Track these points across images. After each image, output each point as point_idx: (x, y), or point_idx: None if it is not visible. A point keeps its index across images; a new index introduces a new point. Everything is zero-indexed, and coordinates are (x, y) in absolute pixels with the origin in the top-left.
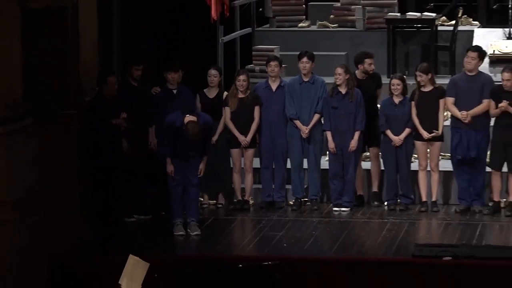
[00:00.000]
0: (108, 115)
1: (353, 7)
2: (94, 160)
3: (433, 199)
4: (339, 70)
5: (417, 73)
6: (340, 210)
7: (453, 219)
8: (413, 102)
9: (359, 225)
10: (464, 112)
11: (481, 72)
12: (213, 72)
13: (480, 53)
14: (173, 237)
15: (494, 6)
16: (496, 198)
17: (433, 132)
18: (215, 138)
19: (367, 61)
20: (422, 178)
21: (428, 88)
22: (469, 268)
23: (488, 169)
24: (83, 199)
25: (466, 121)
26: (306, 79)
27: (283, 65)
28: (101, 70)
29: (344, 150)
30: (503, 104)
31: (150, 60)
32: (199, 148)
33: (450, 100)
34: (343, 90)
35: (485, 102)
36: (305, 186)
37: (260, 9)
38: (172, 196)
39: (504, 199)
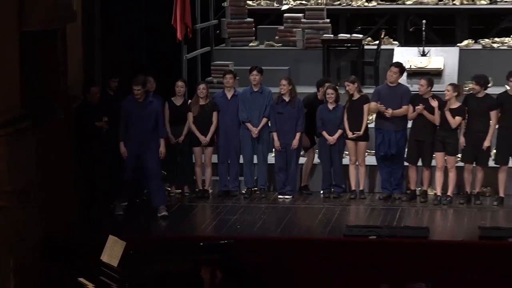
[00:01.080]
0: (92, 118)
1: (294, 29)
2: (82, 155)
3: (361, 188)
4: (284, 82)
5: (346, 83)
6: (284, 198)
7: (377, 204)
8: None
9: (300, 210)
10: (390, 110)
11: (400, 83)
12: (180, 83)
13: (401, 68)
14: (145, 220)
15: (411, 29)
16: (412, 187)
17: (355, 134)
18: (181, 138)
19: (328, 86)
20: (351, 171)
21: (356, 97)
22: (391, 245)
23: (405, 163)
24: (74, 189)
25: (388, 115)
26: (255, 89)
27: (236, 78)
28: (85, 81)
29: (287, 148)
30: (419, 107)
31: (127, 74)
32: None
33: (373, 103)
34: (286, 98)
35: (404, 107)
36: (255, 177)
37: (218, 31)
38: (124, 178)
39: (419, 188)
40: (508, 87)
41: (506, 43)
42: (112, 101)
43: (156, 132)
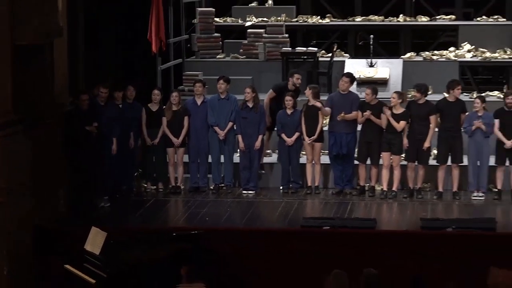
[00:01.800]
0: (83, 123)
1: (257, 43)
2: (71, 154)
3: (316, 184)
4: (248, 90)
5: (306, 91)
6: (248, 193)
7: (330, 199)
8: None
9: (262, 204)
10: (342, 113)
11: (351, 91)
12: (156, 91)
13: (352, 78)
14: (124, 213)
15: (360, 43)
16: (362, 183)
17: (310, 139)
18: (156, 140)
19: (296, 76)
20: (308, 168)
21: (311, 103)
22: (342, 235)
23: (356, 162)
24: (62, 185)
25: (339, 119)
26: (222, 97)
27: (205, 86)
28: (76, 89)
29: (251, 149)
30: (367, 113)
31: (109, 84)
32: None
33: (327, 109)
34: (250, 104)
35: (354, 113)
36: (222, 175)
37: (188, 45)
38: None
39: (368, 184)
40: (446, 95)
41: (444, 55)
42: (101, 108)
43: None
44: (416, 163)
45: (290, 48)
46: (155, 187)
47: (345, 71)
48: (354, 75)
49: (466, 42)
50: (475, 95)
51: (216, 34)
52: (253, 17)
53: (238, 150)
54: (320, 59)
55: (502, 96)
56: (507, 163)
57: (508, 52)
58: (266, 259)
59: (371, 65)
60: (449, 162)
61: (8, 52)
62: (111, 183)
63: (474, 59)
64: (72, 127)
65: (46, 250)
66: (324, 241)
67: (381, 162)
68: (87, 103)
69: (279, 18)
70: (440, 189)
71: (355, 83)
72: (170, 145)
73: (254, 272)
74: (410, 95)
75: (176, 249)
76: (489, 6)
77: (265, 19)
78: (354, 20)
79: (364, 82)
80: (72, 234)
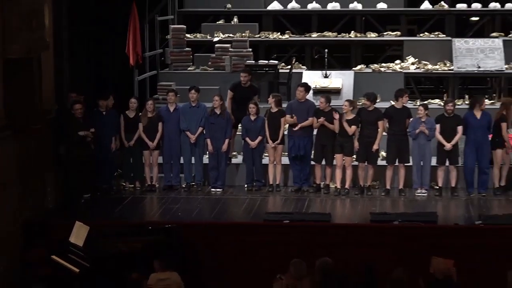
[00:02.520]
0: (77, 129)
1: (223, 57)
2: (63, 157)
3: (277, 182)
4: (216, 98)
5: (269, 99)
6: (216, 190)
7: (290, 196)
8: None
9: (228, 200)
10: (298, 125)
11: (307, 99)
12: (133, 100)
13: (307, 87)
14: (104, 208)
15: (316, 57)
16: (318, 181)
17: (274, 143)
18: (132, 142)
19: (241, 74)
20: (270, 169)
21: (274, 109)
22: (301, 227)
23: (312, 162)
24: (49, 182)
25: (295, 129)
26: (193, 104)
27: (178, 95)
28: (73, 100)
29: (219, 151)
30: (321, 119)
31: (91, 93)
32: None
33: (288, 116)
34: (218, 111)
35: (310, 119)
36: (193, 174)
37: (162, 58)
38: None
39: (323, 182)
40: (394, 102)
41: (390, 67)
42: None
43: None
44: (366, 164)
45: (253, 61)
46: (132, 185)
47: (302, 81)
48: (310, 85)
49: (410, 56)
50: (418, 103)
51: (187, 49)
52: (220, 33)
53: (207, 152)
54: (280, 71)
55: (442, 104)
56: (447, 163)
57: (448, 65)
58: (232, 249)
59: (326, 76)
60: (396, 163)
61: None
62: (93, 182)
63: (418, 70)
64: (67, 133)
65: (33, 242)
66: (284, 233)
67: (334, 162)
68: (80, 111)
69: (243, 34)
70: (388, 187)
71: (311, 92)
72: (146, 148)
73: (222, 261)
74: (360, 103)
75: (151, 241)
76: (430, 24)
77: (231, 35)
78: (310, 36)
79: (320, 91)
80: (58, 228)
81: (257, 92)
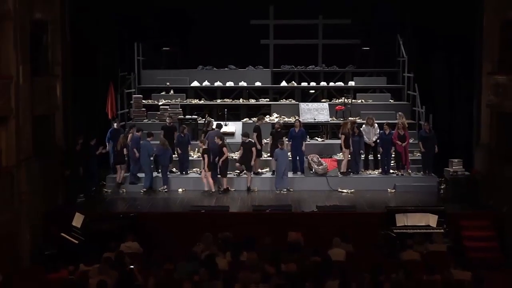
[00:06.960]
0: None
1: (165, 113)
2: (66, 172)
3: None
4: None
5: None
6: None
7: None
8: None
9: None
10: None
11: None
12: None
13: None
14: (93, 204)
15: (220, 113)
16: (225, 186)
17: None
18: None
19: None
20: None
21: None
22: (207, 214)
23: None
24: (60, 189)
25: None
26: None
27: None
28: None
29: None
30: (225, 149)
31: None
32: None
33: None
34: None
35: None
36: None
37: (128, 115)
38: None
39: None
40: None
41: (264, 119)
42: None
43: None
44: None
45: (183, 116)
46: (110, 191)
47: (213, 126)
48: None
49: (274, 112)
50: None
51: (143, 109)
52: (163, 100)
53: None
54: (199, 121)
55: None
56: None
57: (297, 117)
58: (169, 228)
59: (226, 125)
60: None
61: (29, 121)
62: (86, 188)
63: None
64: (73, 159)
65: (50, 224)
66: (199, 218)
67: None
68: (79, 147)
69: (176, 100)
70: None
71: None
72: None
73: (164, 236)
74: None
75: (122, 223)
76: (286, 94)
77: (169, 101)
78: (216, 101)
79: (224, 134)
80: (65, 216)
81: (176, 130)
